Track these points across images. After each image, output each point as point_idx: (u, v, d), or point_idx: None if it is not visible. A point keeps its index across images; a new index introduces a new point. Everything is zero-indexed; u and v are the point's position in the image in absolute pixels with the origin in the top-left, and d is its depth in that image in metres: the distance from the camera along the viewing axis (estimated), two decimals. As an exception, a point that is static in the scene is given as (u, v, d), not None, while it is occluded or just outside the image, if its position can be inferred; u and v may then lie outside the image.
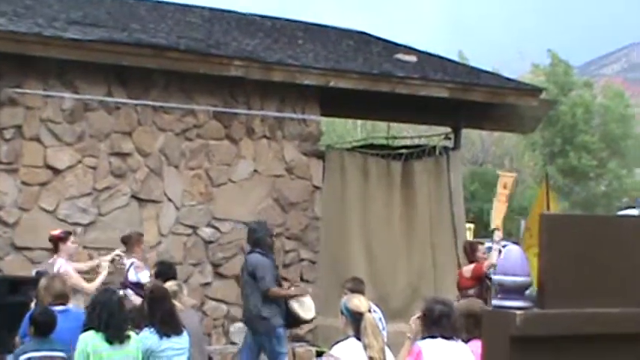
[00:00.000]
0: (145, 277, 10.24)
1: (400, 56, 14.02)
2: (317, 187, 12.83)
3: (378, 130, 31.32)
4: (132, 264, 10.36)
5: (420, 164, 13.69)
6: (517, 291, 2.98)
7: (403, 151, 14.11)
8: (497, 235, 11.63)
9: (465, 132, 18.35)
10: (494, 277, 3.07)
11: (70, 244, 10.12)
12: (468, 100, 13.50)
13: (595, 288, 3.04)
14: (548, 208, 16.20)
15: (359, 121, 38.51)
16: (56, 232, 10.22)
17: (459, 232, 14.13)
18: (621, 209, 36.16)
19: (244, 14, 15.17)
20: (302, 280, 12.67)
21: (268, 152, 12.46)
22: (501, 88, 13.97)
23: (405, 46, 15.09)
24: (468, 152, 40.15)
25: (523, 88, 14.66)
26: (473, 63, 29.61)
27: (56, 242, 10.06)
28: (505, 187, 19.82)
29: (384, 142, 15.86)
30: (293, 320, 10.69)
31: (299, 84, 12.28)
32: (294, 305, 10.56)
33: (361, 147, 14.33)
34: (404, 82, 12.90)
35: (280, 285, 10.74)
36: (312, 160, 12.78)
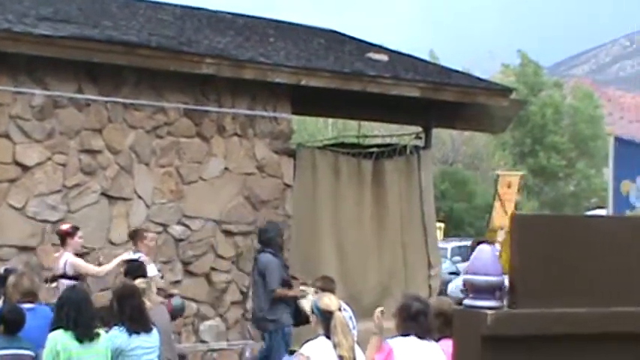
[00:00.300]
0: (150, 271, 10.34)
1: (371, 55, 14.04)
2: (288, 186, 12.82)
3: (350, 129, 31.35)
4: (139, 259, 10.44)
5: (390, 163, 13.73)
6: (488, 291, 2.99)
7: (374, 149, 14.14)
8: (501, 235, 11.75)
9: (436, 131, 18.42)
10: (465, 277, 3.08)
11: (77, 239, 10.25)
12: (438, 99, 13.54)
13: (565, 288, 3.06)
14: (515, 208, 16.31)
15: (330, 120, 38.55)
16: (64, 226, 10.36)
17: (430, 230, 14.19)
18: (589, 209, 36.42)
19: (216, 12, 15.14)
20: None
21: (239, 150, 12.44)
22: (472, 87, 14.03)
23: (377, 45, 15.12)
24: (438, 151, 40.31)
25: (493, 88, 14.73)
26: (444, 62, 29.70)
27: (64, 237, 10.22)
28: (509, 186, 19.84)
29: (355, 140, 15.88)
30: (304, 318, 10.79)
31: (270, 82, 12.27)
32: (303, 303, 10.67)
33: (332, 145, 14.35)
34: (375, 81, 12.92)
35: (290, 284, 10.86)
36: (283, 159, 12.78)
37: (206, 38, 12.77)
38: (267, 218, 12.54)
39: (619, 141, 12.15)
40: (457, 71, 15.47)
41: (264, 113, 12.59)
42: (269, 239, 11.01)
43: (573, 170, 48.59)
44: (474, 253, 3.07)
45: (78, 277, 9.98)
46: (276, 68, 12.24)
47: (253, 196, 12.52)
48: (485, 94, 14.03)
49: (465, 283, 3.08)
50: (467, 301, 3.05)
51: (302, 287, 11.08)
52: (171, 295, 10.51)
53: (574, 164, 48.41)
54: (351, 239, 13.21)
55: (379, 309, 6.56)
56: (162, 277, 10.79)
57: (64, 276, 9.95)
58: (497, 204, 19.88)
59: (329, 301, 6.68)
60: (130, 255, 10.31)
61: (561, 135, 48.12)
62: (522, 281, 3.02)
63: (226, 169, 12.36)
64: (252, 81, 12.18)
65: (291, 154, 12.92)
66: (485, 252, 3.05)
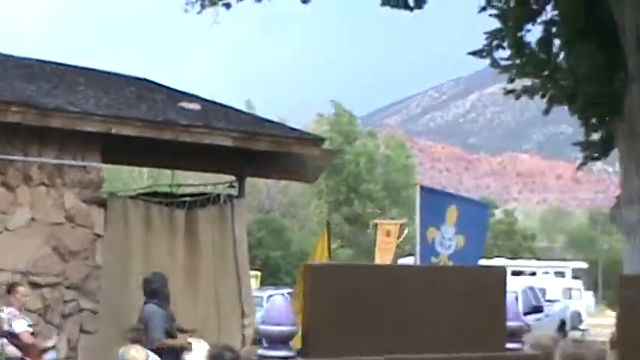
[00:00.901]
0: (19, 326, 9.99)
1: (184, 104, 14.00)
2: (98, 236, 12.57)
3: (165, 178, 31.09)
4: (9, 313, 10.06)
5: (204, 212, 13.67)
6: (281, 341, 3.00)
7: (187, 199, 14.04)
8: None
9: (252, 180, 18.46)
10: (259, 327, 3.08)
11: None
12: (252, 148, 13.61)
13: (359, 336, 3.09)
14: (329, 256, 16.51)
15: (146, 169, 38.16)
16: None
17: (243, 280, 14.17)
18: (402, 256, 37.20)
19: (22, 59, 14.75)
20: (82, 331, 12.35)
21: (47, 200, 12.12)
22: (285, 137, 14.16)
23: (189, 94, 15.09)
24: (254, 200, 40.49)
25: (306, 137, 14.91)
26: (260, 112, 29.95)
27: None
28: (389, 234, 20.06)
29: (168, 189, 15.73)
30: None
31: (79, 130, 12.04)
32: (187, 358, 10.51)
33: (145, 195, 14.17)
34: (187, 131, 12.88)
35: (174, 336, 10.69)
36: (93, 208, 12.53)
37: (11, 86, 12.42)
38: (76, 269, 12.24)
39: (425, 190, 12.60)
40: (270, 121, 15.60)
41: (73, 162, 12.33)
42: (154, 290, 10.98)
43: (387, 218, 49.75)
44: (268, 304, 3.08)
45: None
46: (85, 117, 12.03)
47: (62, 247, 12.21)
48: (297, 144, 14.18)
49: (260, 333, 3.07)
50: (261, 351, 3.05)
51: (189, 339, 11.01)
52: (45, 350, 10.20)
53: (387, 212, 49.58)
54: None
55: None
56: (33, 333, 10.44)
57: None
58: (377, 252, 20.08)
59: (136, 353, 6.58)
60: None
61: (375, 183, 49.27)
62: (316, 330, 3.03)
63: (33, 219, 12.01)
64: (60, 129, 11.92)
65: (102, 203, 12.69)
66: (278, 302, 3.06)
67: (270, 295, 12.93)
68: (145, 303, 11.02)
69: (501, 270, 3.25)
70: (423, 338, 3.13)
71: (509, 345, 3.62)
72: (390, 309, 3.10)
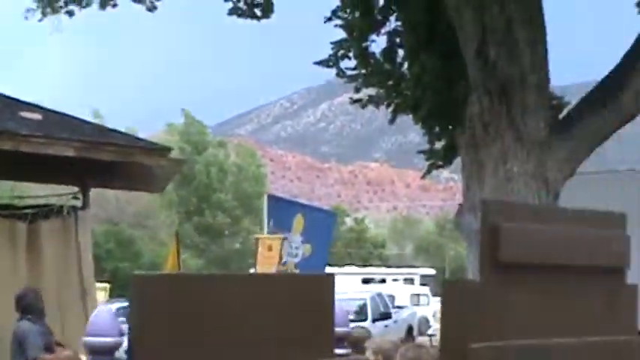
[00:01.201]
0: None
1: (24, 114, 13.63)
2: None
3: (8, 190, 30.23)
4: None
5: (47, 224, 13.35)
6: (106, 352, 2.93)
7: (29, 211, 13.68)
8: None
9: (101, 190, 18.15)
10: (84, 339, 3.00)
11: None
12: (95, 159, 13.36)
13: (183, 349, 3.03)
14: (179, 267, 16.38)
15: (-12, 181, 37.03)
16: None
17: (89, 292, 13.89)
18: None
19: None
20: None
21: None
22: (129, 147, 13.95)
23: (30, 104, 14.71)
24: (103, 211, 39.80)
25: (151, 147, 14.72)
26: (109, 122, 29.50)
27: None
28: (270, 249, 19.82)
29: (9, 201, 15.31)
30: None
31: None
32: None
33: (-16, 207, 13.75)
34: (28, 141, 12.54)
35: (53, 351, 10.31)
36: None
37: None
38: None
39: (272, 199, 12.65)
40: (115, 130, 15.37)
41: None
42: (28, 305, 10.55)
43: (239, 228, 49.79)
44: (93, 314, 3.01)
45: None
46: None
47: None
48: (143, 154, 13.99)
49: (84, 345, 3.00)
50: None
51: (67, 352, 10.66)
52: None
53: (239, 222, 49.61)
54: (3, 306, 12.64)
55: None
56: None
57: None
58: (258, 267, 19.86)
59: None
60: None
61: (226, 193, 49.22)
62: (144, 345, 2.97)
63: None
64: None
65: (-63, 217, 12.25)
66: (103, 313, 2.99)
67: (120, 308, 12.83)
68: (19, 320, 10.66)
69: (330, 277, 3.27)
70: (248, 347, 3.11)
71: (337, 351, 3.64)
72: (216, 318, 3.08)
